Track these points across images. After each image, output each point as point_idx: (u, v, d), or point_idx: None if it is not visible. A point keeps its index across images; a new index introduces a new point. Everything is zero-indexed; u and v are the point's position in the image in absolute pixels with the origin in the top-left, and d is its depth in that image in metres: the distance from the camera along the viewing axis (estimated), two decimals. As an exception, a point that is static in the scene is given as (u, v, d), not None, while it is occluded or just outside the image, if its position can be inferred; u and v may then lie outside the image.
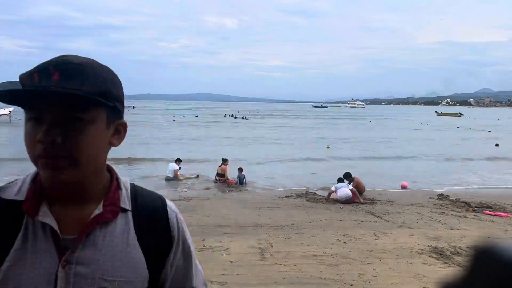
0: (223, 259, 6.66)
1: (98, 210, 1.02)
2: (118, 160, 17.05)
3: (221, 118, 64.07)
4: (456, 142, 31.51)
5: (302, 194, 12.65)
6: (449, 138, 35.31)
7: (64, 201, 1.01)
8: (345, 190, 11.38)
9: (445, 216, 10.07)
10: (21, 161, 16.11)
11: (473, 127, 51.89)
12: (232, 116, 68.39)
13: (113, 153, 1.17)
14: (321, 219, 9.48)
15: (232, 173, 14.80)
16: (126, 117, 1.07)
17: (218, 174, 14.58)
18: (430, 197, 12.51)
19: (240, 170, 14.80)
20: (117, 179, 1.11)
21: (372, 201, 11.71)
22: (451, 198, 12.17)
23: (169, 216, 1.12)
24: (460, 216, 10.09)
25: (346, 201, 11.21)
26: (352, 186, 11.95)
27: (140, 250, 1.04)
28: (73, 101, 0.91)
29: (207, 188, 13.69)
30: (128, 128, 1.08)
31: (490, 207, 10.99)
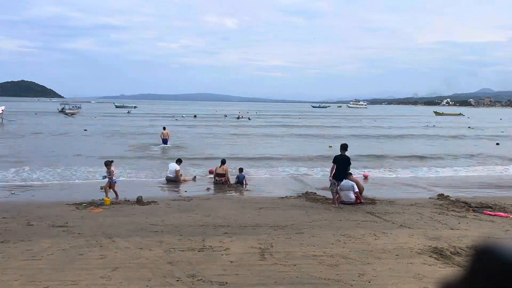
0: (223, 259, 6.66)
1: None
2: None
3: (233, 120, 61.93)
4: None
5: (302, 194, 12.65)
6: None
7: None
8: (349, 195, 11.28)
9: (445, 216, 10.06)
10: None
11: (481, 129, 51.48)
12: (240, 117, 67.16)
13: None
14: (321, 219, 9.47)
15: (231, 173, 14.83)
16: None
17: (218, 174, 14.57)
18: (430, 197, 12.50)
19: (240, 170, 14.80)
20: None
21: (372, 201, 11.70)
22: (451, 198, 12.17)
23: None
24: (460, 216, 10.08)
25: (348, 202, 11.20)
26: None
27: None
28: None
29: (207, 188, 13.70)
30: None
31: (490, 207, 10.99)
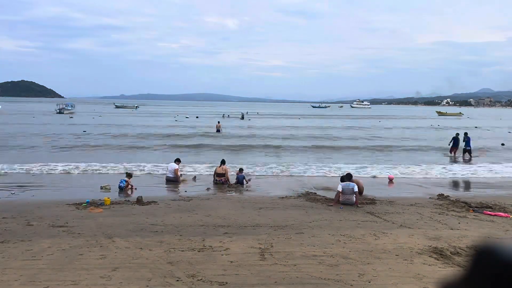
0: (223, 259, 6.66)
1: None
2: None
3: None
4: None
5: (302, 194, 12.65)
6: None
7: None
8: (352, 198, 11.23)
9: (445, 216, 10.06)
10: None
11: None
12: (242, 118, 66.39)
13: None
14: (321, 219, 9.47)
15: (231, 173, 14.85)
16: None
17: (218, 174, 14.56)
18: (430, 197, 12.50)
19: (240, 170, 14.80)
20: None
21: (372, 201, 11.69)
22: (451, 198, 12.16)
23: None
24: (460, 216, 10.08)
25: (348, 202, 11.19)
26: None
27: None
28: None
29: (207, 188, 13.70)
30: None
31: (490, 207, 10.98)
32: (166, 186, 14.27)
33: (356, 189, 11.27)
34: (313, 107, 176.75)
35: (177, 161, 15.33)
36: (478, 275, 0.41)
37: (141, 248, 7.13)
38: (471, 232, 8.60)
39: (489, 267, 0.41)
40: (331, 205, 11.09)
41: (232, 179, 14.57)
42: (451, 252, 7.13)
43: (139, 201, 10.98)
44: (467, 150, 22.40)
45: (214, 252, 6.97)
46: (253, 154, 23.28)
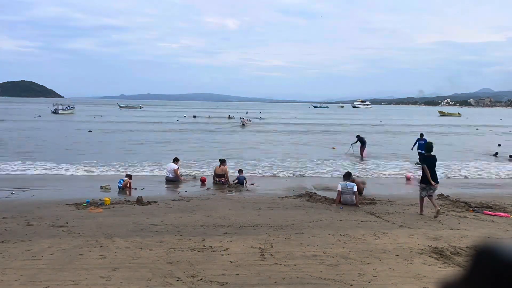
0: (223, 259, 6.66)
1: None
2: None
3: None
4: None
5: (302, 194, 12.64)
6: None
7: None
8: (352, 198, 11.22)
9: (445, 216, 10.06)
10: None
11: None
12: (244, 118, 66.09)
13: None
14: (321, 219, 9.47)
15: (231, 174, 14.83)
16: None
17: (217, 175, 14.55)
18: (430, 197, 12.48)
19: (240, 171, 14.80)
20: None
21: (372, 201, 11.69)
22: (451, 198, 12.16)
23: None
24: (460, 216, 10.08)
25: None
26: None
27: None
28: None
29: (207, 188, 13.70)
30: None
31: (490, 207, 10.98)
32: (166, 186, 14.28)
33: (355, 189, 11.25)
34: (314, 107, 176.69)
35: (176, 160, 15.33)
36: (478, 275, 0.41)
37: (141, 248, 7.13)
38: (471, 232, 8.61)
39: (489, 267, 0.41)
40: (334, 205, 11.08)
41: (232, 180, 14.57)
42: (451, 252, 7.13)
43: (139, 201, 10.98)
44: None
45: (214, 252, 6.97)
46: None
